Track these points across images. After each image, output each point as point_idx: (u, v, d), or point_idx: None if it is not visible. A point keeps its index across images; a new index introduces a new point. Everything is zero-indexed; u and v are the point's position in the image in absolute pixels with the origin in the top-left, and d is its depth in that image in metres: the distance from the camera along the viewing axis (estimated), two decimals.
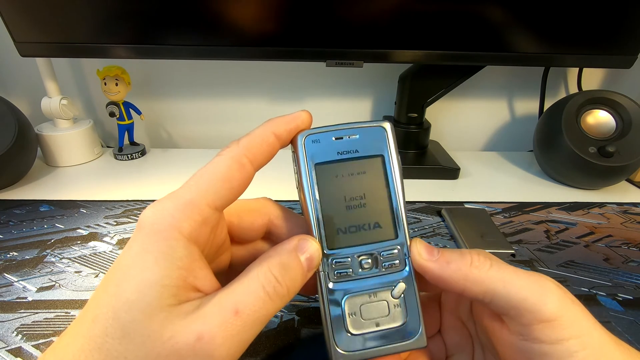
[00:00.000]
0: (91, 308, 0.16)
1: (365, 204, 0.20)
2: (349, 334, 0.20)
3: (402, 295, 0.20)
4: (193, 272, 0.17)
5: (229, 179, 0.18)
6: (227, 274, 0.24)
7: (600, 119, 0.51)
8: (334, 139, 0.20)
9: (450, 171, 0.55)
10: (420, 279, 0.21)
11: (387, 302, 0.20)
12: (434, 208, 0.47)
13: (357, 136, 0.21)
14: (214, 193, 0.18)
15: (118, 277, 0.16)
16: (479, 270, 0.18)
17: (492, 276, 0.18)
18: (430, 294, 0.24)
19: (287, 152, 0.22)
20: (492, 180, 0.56)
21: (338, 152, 0.20)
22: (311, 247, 0.19)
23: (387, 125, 0.21)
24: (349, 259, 0.20)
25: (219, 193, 0.18)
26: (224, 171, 0.18)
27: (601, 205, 0.49)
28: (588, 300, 0.33)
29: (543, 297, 0.17)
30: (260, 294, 0.17)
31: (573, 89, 0.66)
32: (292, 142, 0.21)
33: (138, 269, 0.16)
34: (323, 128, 0.21)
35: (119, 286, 0.16)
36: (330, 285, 0.20)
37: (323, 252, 0.20)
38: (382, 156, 0.21)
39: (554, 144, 0.52)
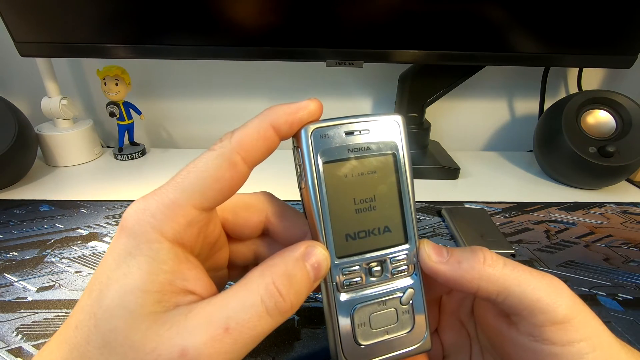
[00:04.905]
0: (75, 313, 0.15)
1: (376, 206, 0.19)
2: (359, 346, 0.19)
3: (411, 301, 0.20)
4: (181, 274, 0.16)
5: (217, 179, 0.16)
6: (228, 271, 0.23)
7: (600, 119, 0.51)
8: (344, 134, 0.18)
9: (450, 171, 0.55)
10: (427, 279, 0.20)
11: (396, 310, 0.20)
12: (434, 208, 0.47)
13: (369, 131, 0.18)
14: (201, 194, 0.16)
15: (101, 282, 0.15)
16: (493, 269, 0.18)
17: (507, 275, 0.17)
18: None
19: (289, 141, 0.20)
20: (492, 180, 0.56)
21: (349, 150, 0.18)
22: (319, 255, 0.17)
23: (400, 119, 0.19)
24: (358, 267, 0.19)
25: (206, 194, 0.16)
26: (213, 170, 0.16)
27: (601, 205, 0.49)
28: (588, 300, 0.33)
29: (557, 299, 0.17)
30: (257, 310, 0.15)
31: (573, 89, 0.66)
32: (296, 136, 0.18)
33: (120, 273, 0.15)
34: (331, 121, 0.18)
35: (101, 291, 0.15)
36: (339, 296, 0.19)
37: (332, 262, 0.18)
38: (394, 154, 0.19)
39: (554, 144, 0.52)
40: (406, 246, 0.19)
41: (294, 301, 0.16)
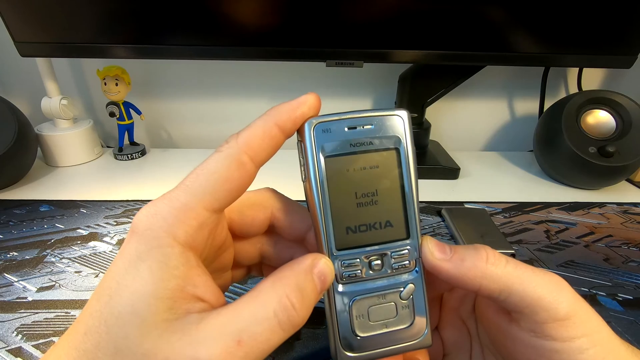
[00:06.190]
0: (84, 318, 0.15)
1: (377, 201, 0.19)
2: (357, 337, 0.19)
3: (411, 296, 0.20)
4: (191, 280, 0.16)
5: (227, 180, 0.17)
6: (231, 272, 0.23)
7: (600, 119, 0.51)
8: (346, 128, 0.18)
9: (450, 171, 0.55)
10: (429, 276, 0.20)
11: (396, 304, 0.20)
12: (434, 208, 0.47)
13: (372, 126, 0.19)
14: (211, 195, 0.16)
15: (111, 287, 0.15)
16: (496, 267, 0.18)
17: (509, 273, 0.18)
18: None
19: (291, 142, 0.20)
20: (492, 180, 0.56)
21: (351, 144, 0.18)
22: (325, 267, 0.18)
23: (404, 114, 0.19)
24: (358, 260, 0.19)
25: (217, 195, 0.16)
26: (222, 171, 0.17)
27: (601, 205, 0.49)
28: (588, 300, 0.32)
29: (558, 297, 0.17)
30: (270, 323, 0.15)
31: (573, 89, 0.66)
32: (299, 130, 0.18)
33: (130, 279, 0.15)
34: (334, 115, 0.18)
35: (111, 297, 0.15)
36: (338, 287, 0.19)
37: (332, 254, 0.19)
38: (397, 149, 0.19)
39: (554, 144, 0.52)
40: (408, 241, 0.19)
41: (305, 314, 0.16)
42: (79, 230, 0.41)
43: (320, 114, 0.19)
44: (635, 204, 0.49)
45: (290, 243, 0.23)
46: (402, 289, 0.20)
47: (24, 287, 0.33)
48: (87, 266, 0.36)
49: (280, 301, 0.16)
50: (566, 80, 0.66)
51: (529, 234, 0.42)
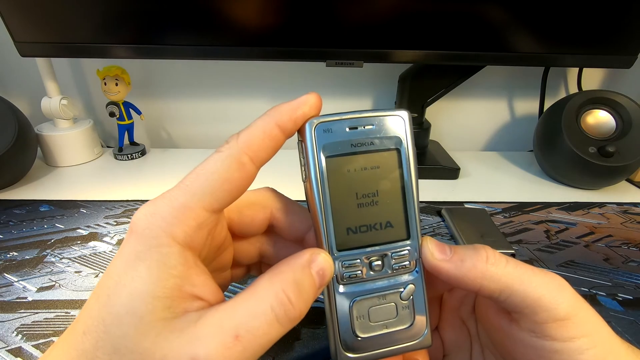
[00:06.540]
0: (83, 318, 0.15)
1: (378, 201, 0.19)
2: (357, 338, 0.19)
3: (411, 297, 0.20)
4: (189, 280, 0.16)
5: (227, 180, 0.17)
6: (231, 271, 0.23)
7: (600, 119, 0.51)
8: (347, 128, 0.18)
9: (450, 171, 0.55)
10: (429, 276, 0.20)
11: (396, 304, 0.20)
12: (434, 208, 0.47)
13: (373, 126, 0.19)
14: (211, 195, 0.16)
15: (109, 286, 0.15)
16: (496, 268, 0.18)
17: (509, 273, 0.17)
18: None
19: (291, 142, 0.20)
20: (492, 180, 0.56)
21: (352, 144, 0.18)
22: (324, 262, 0.18)
23: (405, 115, 0.19)
24: (359, 261, 0.19)
25: (216, 195, 0.16)
26: (222, 171, 0.16)
27: (601, 205, 0.49)
28: (588, 300, 0.32)
29: (558, 297, 0.17)
30: (267, 318, 0.15)
31: (573, 89, 0.66)
32: (300, 130, 0.18)
33: (129, 278, 0.15)
34: (335, 115, 0.18)
35: (109, 297, 0.15)
36: (339, 288, 0.19)
37: (332, 254, 0.19)
38: (397, 149, 0.19)
39: (554, 144, 0.52)
40: (408, 242, 0.19)
41: (302, 308, 0.16)
42: (79, 230, 0.41)
43: (320, 114, 0.19)
44: (635, 204, 0.49)
45: (289, 243, 0.23)
46: (402, 290, 0.20)
47: (24, 287, 0.33)
48: (87, 266, 0.36)
49: (277, 296, 0.16)
50: (566, 80, 0.66)
51: (529, 234, 0.42)
